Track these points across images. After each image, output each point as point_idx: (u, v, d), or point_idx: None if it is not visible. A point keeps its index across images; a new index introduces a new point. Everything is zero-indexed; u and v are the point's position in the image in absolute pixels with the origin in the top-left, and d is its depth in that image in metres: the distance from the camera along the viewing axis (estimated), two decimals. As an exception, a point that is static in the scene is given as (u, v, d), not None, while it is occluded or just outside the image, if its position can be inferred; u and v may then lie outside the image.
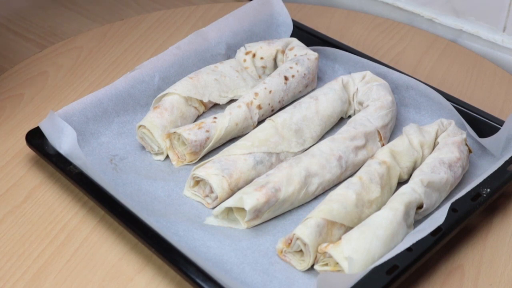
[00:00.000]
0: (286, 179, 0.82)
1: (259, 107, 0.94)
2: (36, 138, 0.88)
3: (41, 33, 1.22)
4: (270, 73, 1.01)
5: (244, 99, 0.94)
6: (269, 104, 0.95)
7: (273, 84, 0.96)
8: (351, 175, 0.86)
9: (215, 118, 0.91)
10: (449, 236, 0.77)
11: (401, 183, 0.84)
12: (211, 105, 0.98)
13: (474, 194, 0.81)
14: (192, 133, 0.88)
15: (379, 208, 0.80)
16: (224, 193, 0.83)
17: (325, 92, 0.95)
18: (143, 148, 0.92)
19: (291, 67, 0.98)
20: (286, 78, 0.97)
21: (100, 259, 0.80)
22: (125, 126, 0.94)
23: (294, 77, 0.97)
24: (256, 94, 0.94)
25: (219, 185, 0.83)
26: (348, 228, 0.78)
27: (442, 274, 0.78)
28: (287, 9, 1.09)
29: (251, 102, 0.93)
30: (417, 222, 0.81)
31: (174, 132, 0.89)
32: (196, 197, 0.85)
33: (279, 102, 0.96)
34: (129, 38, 1.14)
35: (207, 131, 0.89)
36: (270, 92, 0.95)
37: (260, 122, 0.94)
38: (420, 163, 0.86)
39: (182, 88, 0.94)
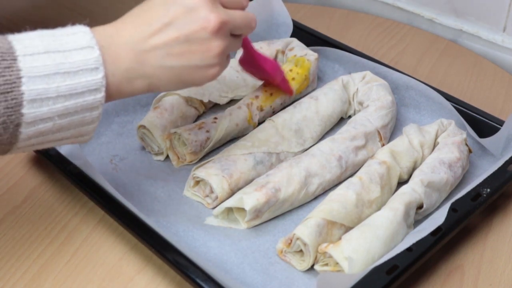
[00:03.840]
0: (286, 179, 0.82)
1: (260, 108, 0.94)
2: (36, 138, 0.88)
3: (41, 33, 1.22)
4: (270, 73, 1.01)
5: (244, 101, 0.94)
6: (270, 107, 0.95)
7: (274, 86, 0.96)
8: (351, 175, 0.85)
9: (215, 118, 0.91)
10: (449, 236, 0.77)
11: (401, 183, 0.84)
12: (211, 105, 0.98)
13: (474, 194, 0.81)
14: (192, 133, 0.88)
15: (379, 208, 0.80)
16: (224, 193, 0.83)
17: (325, 92, 0.95)
18: (143, 148, 0.92)
19: (291, 70, 0.98)
20: None
21: (100, 259, 0.80)
22: (125, 126, 0.95)
23: (294, 79, 0.97)
24: (256, 97, 0.94)
25: (219, 185, 0.83)
26: (348, 228, 0.78)
27: (442, 274, 0.78)
28: (287, 9, 1.09)
29: (251, 103, 0.93)
30: (417, 222, 0.81)
31: (175, 132, 0.89)
32: (196, 197, 0.85)
33: (281, 104, 0.96)
34: (129, 38, 1.14)
35: (207, 131, 0.89)
36: (271, 94, 0.95)
37: (260, 122, 0.94)
38: (420, 163, 0.86)
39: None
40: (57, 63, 0.63)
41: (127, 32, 0.68)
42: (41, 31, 0.65)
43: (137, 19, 0.69)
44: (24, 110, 0.61)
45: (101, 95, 0.65)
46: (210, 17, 0.68)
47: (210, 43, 0.69)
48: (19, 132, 0.62)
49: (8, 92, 0.61)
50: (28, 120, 0.62)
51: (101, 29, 0.68)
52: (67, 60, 0.63)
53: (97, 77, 0.64)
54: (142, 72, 0.68)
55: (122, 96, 0.69)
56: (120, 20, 0.70)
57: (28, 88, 0.61)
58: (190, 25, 0.68)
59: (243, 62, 0.90)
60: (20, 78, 0.61)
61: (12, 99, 0.61)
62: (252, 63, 0.89)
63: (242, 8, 0.74)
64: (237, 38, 0.74)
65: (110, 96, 0.67)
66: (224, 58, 0.72)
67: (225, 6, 0.71)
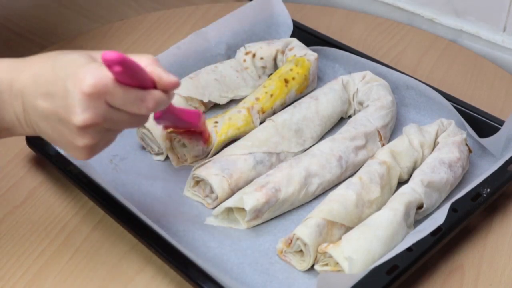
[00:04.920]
0: (286, 179, 0.82)
1: (262, 111, 0.94)
2: (36, 138, 0.88)
3: (41, 33, 1.22)
4: (270, 73, 1.01)
5: (245, 104, 0.94)
6: (271, 108, 0.95)
7: (274, 88, 0.96)
8: (351, 175, 0.85)
9: (216, 122, 0.91)
10: (449, 236, 0.77)
11: (401, 183, 0.84)
12: (211, 105, 0.98)
13: (474, 194, 0.81)
14: (194, 137, 0.88)
15: (379, 208, 0.80)
16: (224, 193, 0.83)
17: (325, 92, 0.95)
18: (143, 148, 0.92)
19: (291, 70, 0.98)
20: (286, 81, 0.97)
21: (100, 259, 0.80)
22: (125, 126, 0.94)
23: (294, 79, 0.97)
24: (257, 99, 0.94)
25: (219, 185, 0.83)
26: (348, 228, 0.78)
27: (442, 274, 0.78)
28: (287, 9, 1.09)
29: (252, 107, 0.93)
30: (417, 222, 0.81)
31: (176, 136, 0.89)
32: (196, 197, 0.85)
33: (281, 105, 0.96)
34: (129, 38, 1.14)
35: (209, 135, 0.89)
36: (271, 96, 0.95)
37: (260, 122, 0.94)
38: (420, 163, 0.86)
39: (182, 88, 0.94)
40: None
41: (25, 81, 0.65)
42: None
43: (38, 70, 0.65)
44: None
45: None
46: (78, 113, 0.62)
47: (74, 137, 0.64)
48: None
49: None
50: None
51: (5, 69, 0.66)
52: None
53: None
54: (29, 121, 0.66)
55: (15, 135, 0.69)
56: (30, 60, 0.66)
57: None
58: (62, 109, 0.63)
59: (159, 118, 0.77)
60: None
61: None
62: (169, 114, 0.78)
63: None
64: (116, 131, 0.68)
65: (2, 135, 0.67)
66: (92, 150, 0.66)
67: (115, 108, 0.64)
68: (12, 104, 0.66)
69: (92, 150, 0.66)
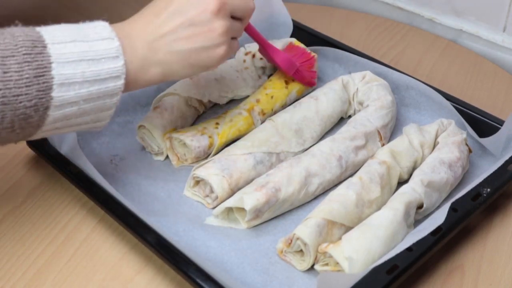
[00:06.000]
0: (286, 179, 0.82)
1: (262, 113, 0.94)
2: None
3: (41, 33, 1.22)
4: (270, 74, 1.01)
5: (246, 105, 0.94)
6: (272, 109, 0.95)
7: (275, 89, 0.96)
8: (351, 175, 0.85)
9: (217, 124, 0.91)
10: (449, 236, 0.77)
11: (401, 183, 0.84)
12: (211, 105, 0.98)
13: (474, 194, 0.81)
14: (195, 139, 0.88)
15: (379, 208, 0.80)
16: (224, 193, 0.83)
17: (325, 92, 0.95)
18: (143, 148, 0.92)
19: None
20: (286, 83, 0.97)
21: (100, 259, 0.80)
22: (125, 126, 0.95)
23: (294, 80, 0.97)
24: (257, 101, 0.94)
25: (219, 185, 0.83)
26: (348, 228, 0.78)
27: (442, 274, 0.78)
28: (287, 9, 1.09)
29: (253, 109, 0.93)
30: (417, 222, 0.81)
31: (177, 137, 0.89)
32: (196, 197, 0.85)
33: (282, 106, 0.96)
34: (129, 38, 1.14)
35: (210, 137, 0.89)
36: (272, 97, 0.95)
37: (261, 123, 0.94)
38: (420, 163, 0.86)
39: (182, 88, 0.94)
40: (82, 51, 0.69)
41: (139, 25, 0.75)
42: (65, 24, 0.71)
43: (145, 13, 0.76)
44: (53, 94, 0.67)
45: (121, 82, 0.71)
46: (209, 0, 0.75)
47: (212, 23, 0.75)
48: (47, 115, 0.68)
49: (40, 76, 0.66)
50: (56, 103, 0.68)
51: (118, 24, 0.75)
52: (91, 49, 0.69)
53: (118, 65, 0.71)
54: (156, 60, 0.75)
55: (139, 85, 0.75)
56: (131, 18, 0.76)
57: (58, 72, 0.67)
58: (192, 9, 0.75)
59: (262, 52, 0.97)
60: (50, 63, 0.67)
61: (43, 83, 0.67)
62: (267, 54, 0.96)
63: None
64: (238, 21, 0.80)
65: (128, 84, 0.73)
66: (228, 38, 0.78)
67: None
68: (134, 48, 0.73)
69: (228, 33, 0.77)
